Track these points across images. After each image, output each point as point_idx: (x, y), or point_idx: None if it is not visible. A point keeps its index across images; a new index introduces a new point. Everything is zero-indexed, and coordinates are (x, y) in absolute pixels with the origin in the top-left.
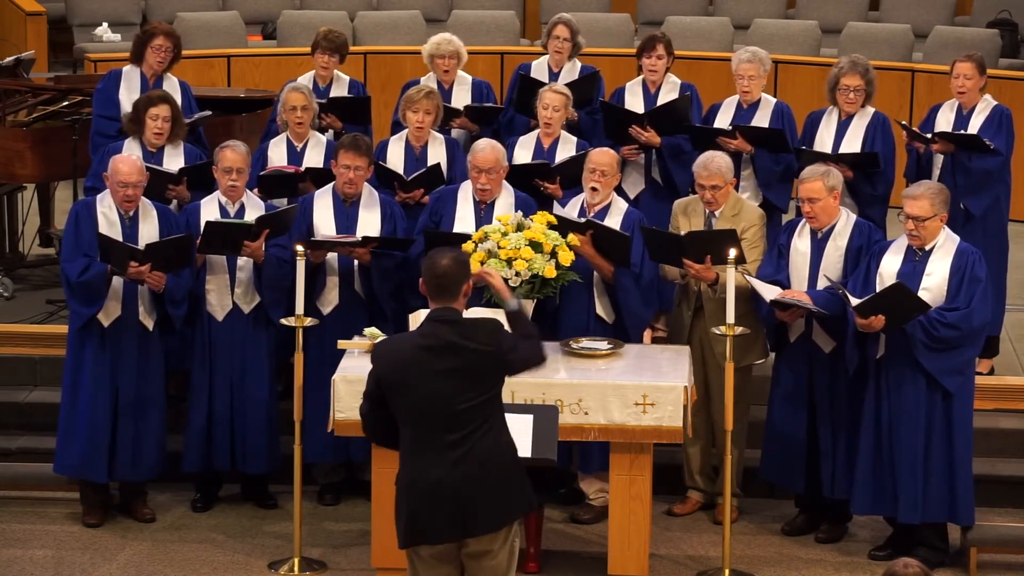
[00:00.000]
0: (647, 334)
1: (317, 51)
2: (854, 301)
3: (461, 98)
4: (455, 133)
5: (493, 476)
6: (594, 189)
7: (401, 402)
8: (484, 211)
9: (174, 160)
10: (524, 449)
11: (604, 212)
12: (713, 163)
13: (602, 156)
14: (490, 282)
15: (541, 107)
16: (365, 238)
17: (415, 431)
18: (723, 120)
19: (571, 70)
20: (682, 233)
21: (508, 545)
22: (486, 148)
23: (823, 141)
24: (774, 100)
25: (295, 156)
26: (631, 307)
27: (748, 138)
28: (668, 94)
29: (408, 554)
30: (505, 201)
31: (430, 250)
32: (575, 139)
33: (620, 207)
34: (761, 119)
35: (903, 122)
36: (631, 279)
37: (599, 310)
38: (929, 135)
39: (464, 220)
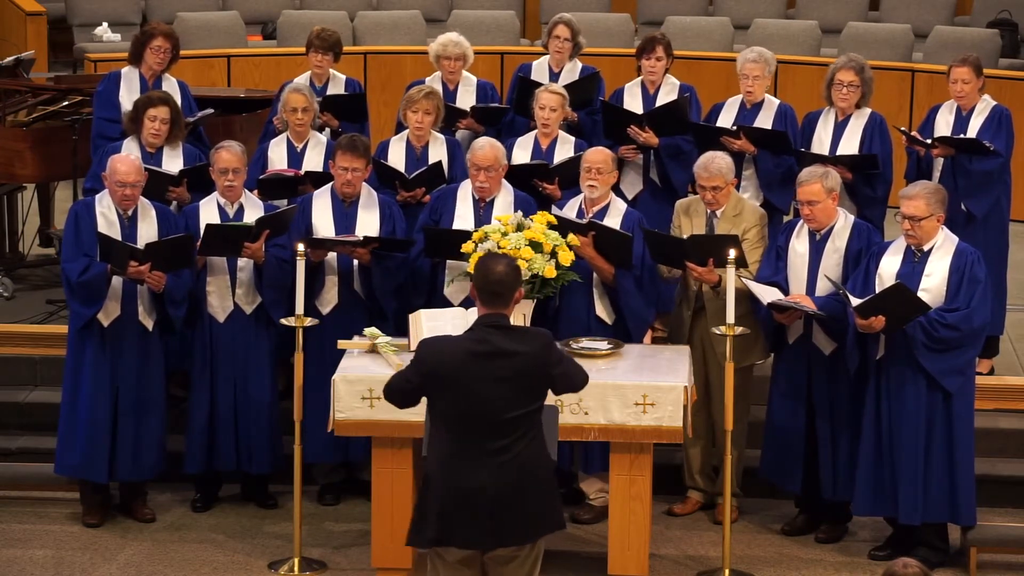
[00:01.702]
0: (647, 334)
1: (311, 50)
2: (855, 302)
3: (466, 99)
4: (460, 134)
5: (532, 487)
6: (592, 186)
7: (445, 403)
8: (483, 209)
9: (173, 161)
10: None
11: (603, 212)
12: (713, 164)
13: (597, 154)
14: None
15: (538, 107)
16: (366, 238)
17: (457, 434)
18: (726, 120)
19: (572, 70)
20: (684, 235)
21: (535, 552)
22: (485, 146)
23: (820, 142)
24: (777, 101)
25: (295, 157)
26: (633, 308)
27: (751, 139)
28: (667, 95)
29: (431, 557)
30: (504, 200)
31: (430, 250)
32: (573, 139)
33: (619, 207)
34: (764, 120)
35: (902, 128)
36: (632, 280)
37: (599, 311)
38: (929, 139)
39: (463, 218)
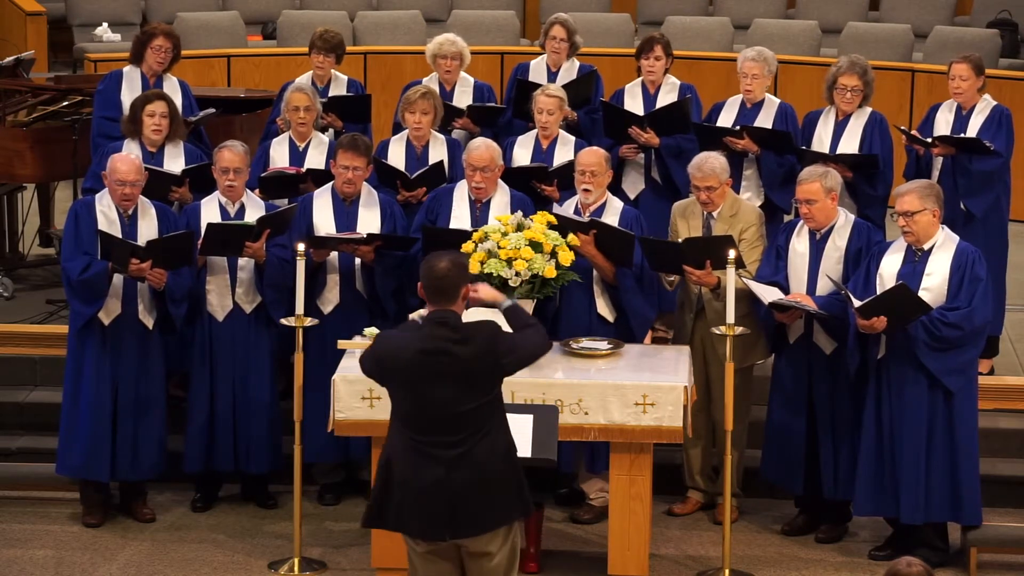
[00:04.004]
0: (647, 334)
1: (313, 51)
2: (857, 302)
3: (463, 100)
4: (456, 134)
5: (488, 480)
6: (586, 190)
7: (400, 401)
8: (480, 210)
9: (174, 160)
10: (524, 449)
11: (600, 212)
12: (707, 164)
13: (590, 156)
14: (480, 299)
15: (536, 111)
16: (370, 235)
17: (412, 430)
18: (726, 119)
19: (569, 70)
20: (680, 240)
21: (508, 546)
22: (481, 146)
23: (821, 141)
24: (778, 101)
25: (297, 156)
26: (635, 307)
27: (755, 138)
28: (667, 95)
29: (408, 552)
30: (501, 200)
31: (428, 249)
32: (573, 139)
33: (616, 206)
34: (764, 119)
35: (902, 127)
36: (633, 279)
37: (600, 309)
38: (929, 139)
39: (460, 219)
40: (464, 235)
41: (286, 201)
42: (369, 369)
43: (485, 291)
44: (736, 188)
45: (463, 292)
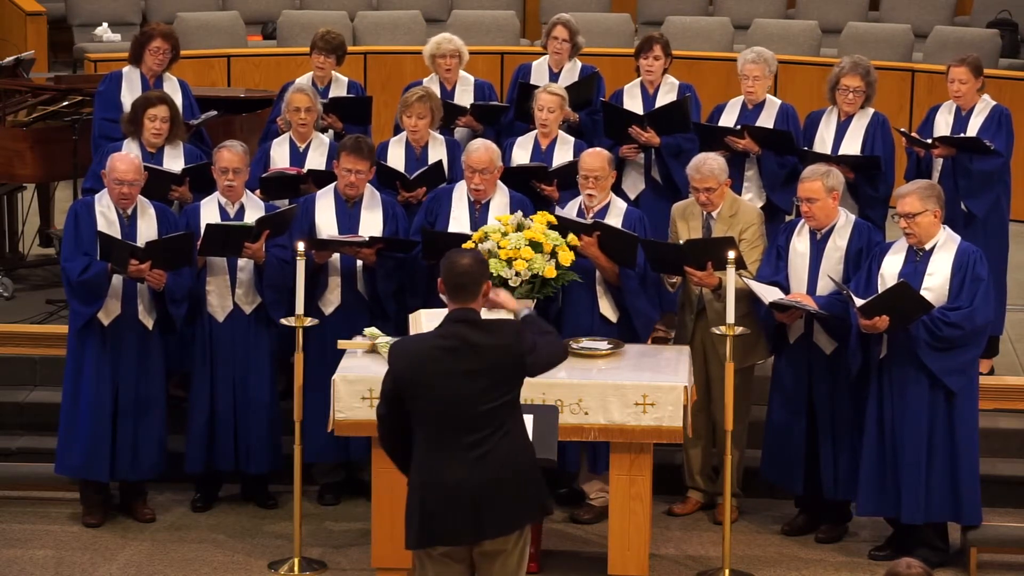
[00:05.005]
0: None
1: (314, 52)
2: (859, 302)
3: (464, 99)
4: (459, 132)
5: (511, 479)
6: (590, 195)
7: (419, 403)
8: (479, 211)
9: (174, 161)
10: None
11: (603, 212)
12: (705, 165)
13: (593, 160)
14: (499, 304)
15: (536, 109)
16: (372, 238)
17: (433, 432)
18: (727, 121)
19: (571, 70)
20: (681, 241)
21: (521, 545)
22: (480, 148)
23: (823, 141)
24: (779, 102)
25: (298, 157)
26: (639, 308)
27: (756, 138)
28: (666, 95)
29: (416, 552)
30: (500, 201)
31: (427, 251)
32: (573, 139)
33: (619, 207)
34: (766, 120)
35: (902, 129)
36: (637, 280)
37: (603, 309)
38: (929, 140)
39: (459, 220)
40: (463, 238)
41: (286, 202)
42: (387, 386)
43: (504, 297)
44: (738, 189)
45: (484, 289)
